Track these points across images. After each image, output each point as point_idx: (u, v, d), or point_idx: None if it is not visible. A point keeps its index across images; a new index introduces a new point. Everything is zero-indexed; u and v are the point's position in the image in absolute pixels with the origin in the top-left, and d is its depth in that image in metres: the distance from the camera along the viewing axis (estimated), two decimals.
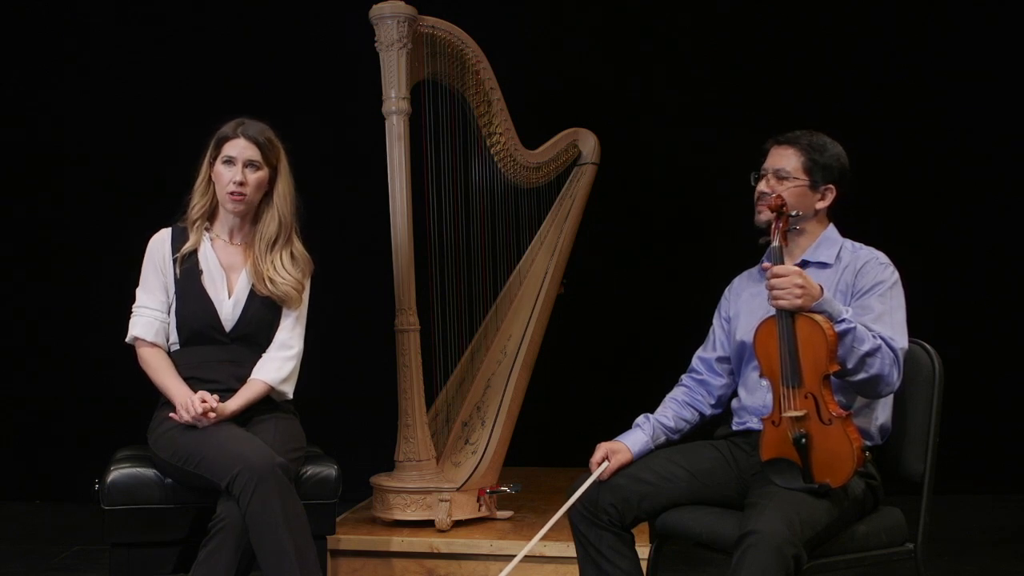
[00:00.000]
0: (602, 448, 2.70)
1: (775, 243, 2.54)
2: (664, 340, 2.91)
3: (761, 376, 2.59)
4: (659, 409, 2.82)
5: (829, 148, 2.70)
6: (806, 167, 2.68)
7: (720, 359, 2.85)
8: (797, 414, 2.43)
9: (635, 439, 2.73)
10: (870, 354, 2.44)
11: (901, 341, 2.53)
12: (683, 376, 2.91)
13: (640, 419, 2.79)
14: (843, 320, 2.43)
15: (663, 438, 2.77)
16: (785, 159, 2.69)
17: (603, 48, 5.12)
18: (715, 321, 2.90)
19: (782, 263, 2.50)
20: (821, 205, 2.71)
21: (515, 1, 5.09)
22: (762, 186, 2.71)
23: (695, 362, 2.90)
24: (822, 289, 2.45)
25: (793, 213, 2.58)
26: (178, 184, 3.07)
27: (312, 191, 3.10)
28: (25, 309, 5.16)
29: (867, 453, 2.47)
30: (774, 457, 2.49)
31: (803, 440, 2.42)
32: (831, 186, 2.70)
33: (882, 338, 2.48)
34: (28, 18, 5.14)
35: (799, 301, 2.42)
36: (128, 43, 5.12)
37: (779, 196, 2.57)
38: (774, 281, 2.45)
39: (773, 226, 2.56)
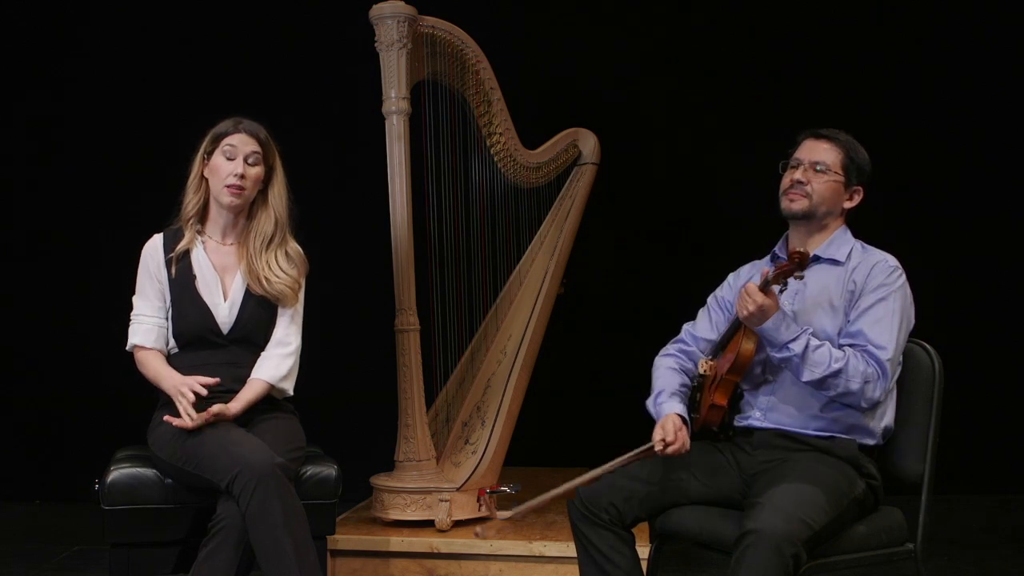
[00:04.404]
0: (670, 425, 2.61)
1: (771, 278, 2.52)
2: (664, 340, 2.90)
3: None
4: (665, 380, 2.78)
5: (861, 151, 2.73)
6: (844, 164, 2.69)
7: (704, 339, 2.86)
8: (706, 367, 2.69)
9: (681, 408, 2.69)
10: (834, 375, 2.51)
11: (888, 351, 2.54)
12: (669, 345, 2.90)
13: (663, 392, 2.73)
14: (786, 348, 2.53)
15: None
16: (824, 153, 2.70)
17: (603, 48, 5.12)
18: (709, 300, 2.92)
19: (765, 291, 2.53)
20: (848, 205, 2.73)
21: (515, 1, 5.09)
22: (798, 175, 2.70)
23: (684, 334, 2.91)
24: (775, 321, 2.52)
25: (811, 255, 2.58)
26: (178, 184, 3.07)
27: (312, 191, 3.10)
28: (25, 308, 5.16)
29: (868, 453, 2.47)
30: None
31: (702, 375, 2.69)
32: (860, 188, 2.72)
33: (866, 351, 2.52)
34: (28, 18, 5.14)
35: (745, 315, 2.55)
36: (128, 42, 5.11)
37: (807, 252, 2.48)
38: (743, 292, 2.55)
39: (786, 266, 2.49)
